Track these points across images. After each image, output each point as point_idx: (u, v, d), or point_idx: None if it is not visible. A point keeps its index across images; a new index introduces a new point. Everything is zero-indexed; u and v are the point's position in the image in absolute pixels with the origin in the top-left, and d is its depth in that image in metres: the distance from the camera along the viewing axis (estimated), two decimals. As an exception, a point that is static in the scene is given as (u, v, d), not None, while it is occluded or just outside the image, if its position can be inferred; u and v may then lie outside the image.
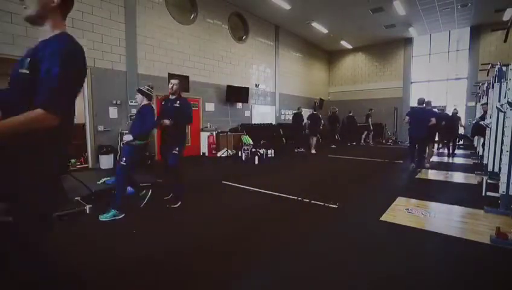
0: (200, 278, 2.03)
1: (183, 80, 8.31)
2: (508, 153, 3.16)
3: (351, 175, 6.07)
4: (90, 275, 2.08)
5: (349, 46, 15.00)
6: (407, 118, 6.38)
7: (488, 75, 6.25)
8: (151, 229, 2.96)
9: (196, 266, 2.21)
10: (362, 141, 12.95)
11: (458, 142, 10.15)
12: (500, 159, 3.49)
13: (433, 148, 7.12)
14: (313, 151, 9.62)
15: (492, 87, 4.93)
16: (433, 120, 6.13)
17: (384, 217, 3.25)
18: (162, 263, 2.24)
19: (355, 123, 12.65)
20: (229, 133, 9.28)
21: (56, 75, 1.17)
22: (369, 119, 12.79)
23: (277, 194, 4.27)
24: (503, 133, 3.42)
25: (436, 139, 9.03)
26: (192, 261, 2.28)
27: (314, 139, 9.86)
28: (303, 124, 10.37)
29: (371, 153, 9.41)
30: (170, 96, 3.90)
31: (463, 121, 10.08)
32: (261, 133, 10.25)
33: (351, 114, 12.52)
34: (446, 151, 9.19)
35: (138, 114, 3.53)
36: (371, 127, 13.03)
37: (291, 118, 12.35)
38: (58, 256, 2.37)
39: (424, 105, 6.36)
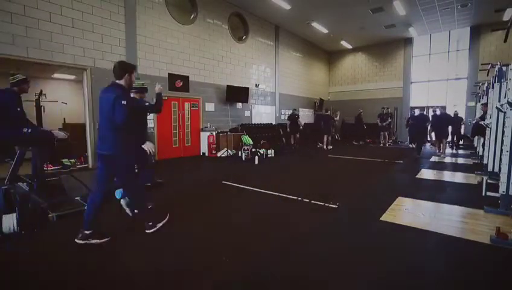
0: (199, 278, 2.03)
1: (183, 80, 8.34)
2: (508, 153, 3.16)
3: (351, 175, 6.07)
4: (89, 275, 2.09)
5: (349, 46, 15.00)
6: (410, 121, 9.20)
7: (488, 75, 6.25)
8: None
9: (196, 265, 2.21)
10: (384, 142, 12.43)
11: (459, 141, 11.11)
12: (500, 159, 3.49)
13: (441, 143, 8.98)
14: (330, 147, 10.82)
15: (492, 87, 4.93)
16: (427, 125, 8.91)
17: (384, 217, 3.25)
18: (162, 262, 2.24)
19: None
20: (229, 133, 9.28)
21: None
22: (389, 119, 12.49)
23: (277, 194, 4.27)
24: (503, 133, 3.42)
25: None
26: (192, 261, 2.28)
27: (329, 137, 10.95)
28: (321, 124, 11.21)
29: (371, 153, 9.41)
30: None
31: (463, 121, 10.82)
32: (261, 133, 10.26)
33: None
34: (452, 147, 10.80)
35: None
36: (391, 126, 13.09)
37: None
38: (58, 256, 2.38)
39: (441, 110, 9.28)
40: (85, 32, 6.18)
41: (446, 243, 2.62)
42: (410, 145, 11.08)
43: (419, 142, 8.87)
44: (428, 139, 10.99)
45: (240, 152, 8.34)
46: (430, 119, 9.15)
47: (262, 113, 11.62)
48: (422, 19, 11.23)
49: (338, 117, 13.03)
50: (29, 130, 3.31)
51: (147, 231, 2.83)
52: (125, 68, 2.68)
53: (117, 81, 2.67)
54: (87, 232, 2.57)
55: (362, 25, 11.83)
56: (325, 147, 10.80)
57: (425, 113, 9.24)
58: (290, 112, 11.51)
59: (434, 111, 9.66)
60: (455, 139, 10.78)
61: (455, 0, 9.44)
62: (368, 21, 11.40)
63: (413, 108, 12.34)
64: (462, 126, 10.90)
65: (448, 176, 5.77)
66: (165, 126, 8.03)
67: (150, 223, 2.86)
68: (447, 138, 9.34)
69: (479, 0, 9.38)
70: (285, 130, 11.26)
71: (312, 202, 3.86)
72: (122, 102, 2.50)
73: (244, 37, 10.60)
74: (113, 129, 2.55)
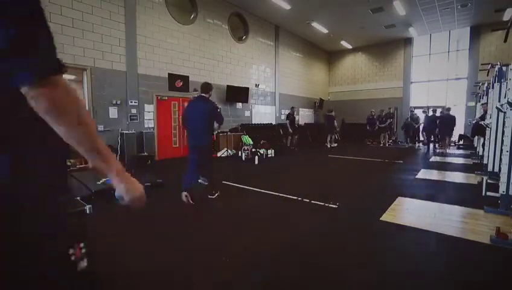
0: (199, 277, 2.03)
1: (183, 80, 8.34)
2: (508, 153, 3.16)
3: (351, 175, 6.07)
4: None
5: (349, 46, 15.00)
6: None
7: (488, 75, 6.25)
8: (150, 228, 2.96)
9: (196, 265, 2.21)
10: (384, 141, 12.47)
11: (459, 141, 11.52)
12: (500, 159, 3.49)
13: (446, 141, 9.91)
14: (333, 145, 11.44)
15: (492, 87, 4.93)
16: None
17: (384, 217, 3.25)
18: (161, 262, 2.24)
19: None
20: (229, 133, 9.27)
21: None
22: (390, 120, 12.43)
23: (277, 194, 4.27)
24: (503, 133, 3.42)
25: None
26: (191, 261, 2.28)
27: (332, 136, 11.58)
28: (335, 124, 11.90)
29: (370, 153, 9.41)
30: None
31: (458, 122, 10.54)
32: (261, 133, 10.25)
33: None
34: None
35: None
36: (392, 126, 12.98)
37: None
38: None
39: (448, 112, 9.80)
40: (85, 32, 6.18)
41: (446, 243, 2.62)
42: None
43: (430, 141, 10.26)
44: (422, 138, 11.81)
45: (240, 152, 8.34)
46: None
47: (262, 113, 11.61)
48: (422, 19, 11.23)
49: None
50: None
51: (210, 196, 3.99)
52: (210, 87, 3.97)
53: (203, 94, 3.89)
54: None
55: (362, 25, 11.83)
56: (328, 144, 11.36)
57: (436, 114, 10.06)
58: (287, 112, 11.29)
59: (429, 112, 10.39)
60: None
61: (455, 0, 9.44)
62: (368, 21, 11.40)
63: (412, 109, 12.35)
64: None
65: (448, 176, 5.77)
66: (165, 126, 8.03)
67: (213, 191, 4.06)
68: (447, 137, 9.96)
69: (479, 0, 9.38)
70: (287, 130, 10.80)
71: (312, 202, 3.86)
72: (219, 110, 4.07)
73: (244, 37, 10.60)
74: (208, 128, 3.88)
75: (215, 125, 4.02)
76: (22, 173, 0.67)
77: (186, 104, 8.50)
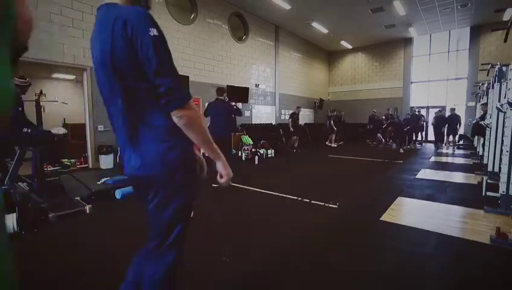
0: (199, 277, 2.03)
1: (183, 80, 8.33)
2: (508, 153, 3.16)
3: (351, 175, 6.07)
4: (88, 274, 2.08)
5: (349, 46, 15.01)
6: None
7: (488, 75, 6.26)
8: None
9: (196, 265, 2.21)
10: (384, 142, 12.40)
11: (459, 141, 11.56)
12: (500, 159, 3.49)
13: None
14: (334, 145, 11.57)
15: (492, 87, 4.93)
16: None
17: (384, 217, 3.25)
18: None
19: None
20: (229, 133, 9.25)
21: None
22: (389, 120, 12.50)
23: (276, 194, 4.27)
24: (503, 133, 3.42)
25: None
26: (192, 260, 2.27)
27: (334, 136, 11.83)
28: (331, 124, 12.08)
29: (370, 153, 9.40)
30: None
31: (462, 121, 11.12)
32: (261, 133, 10.23)
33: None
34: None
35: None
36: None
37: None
38: (56, 256, 2.38)
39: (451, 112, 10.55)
40: (85, 32, 6.18)
41: (446, 243, 2.62)
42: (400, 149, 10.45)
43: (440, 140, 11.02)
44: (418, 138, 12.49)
45: (239, 152, 8.34)
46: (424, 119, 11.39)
47: (263, 113, 11.62)
48: (422, 19, 11.23)
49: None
50: (29, 130, 3.31)
51: (214, 185, 4.32)
52: (224, 89, 4.85)
53: (219, 97, 4.74)
54: None
55: (362, 25, 11.84)
56: (328, 143, 11.62)
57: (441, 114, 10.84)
58: (290, 112, 11.10)
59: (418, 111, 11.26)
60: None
61: (455, 0, 9.44)
62: (367, 21, 11.41)
63: (415, 109, 12.39)
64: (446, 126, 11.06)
65: (448, 176, 5.77)
66: (165, 126, 8.02)
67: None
68: (447, 136, 10.62)
69: (479, 0, 9.39)
70: (288, 130, 10.34)
71: (312, 202, 3.86)
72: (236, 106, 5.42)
73: (244, 37, 10.61)
74: (229, 124, 4.80)
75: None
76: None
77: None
